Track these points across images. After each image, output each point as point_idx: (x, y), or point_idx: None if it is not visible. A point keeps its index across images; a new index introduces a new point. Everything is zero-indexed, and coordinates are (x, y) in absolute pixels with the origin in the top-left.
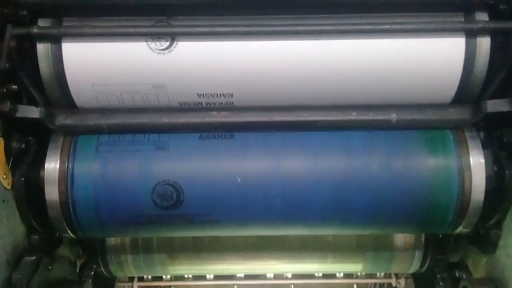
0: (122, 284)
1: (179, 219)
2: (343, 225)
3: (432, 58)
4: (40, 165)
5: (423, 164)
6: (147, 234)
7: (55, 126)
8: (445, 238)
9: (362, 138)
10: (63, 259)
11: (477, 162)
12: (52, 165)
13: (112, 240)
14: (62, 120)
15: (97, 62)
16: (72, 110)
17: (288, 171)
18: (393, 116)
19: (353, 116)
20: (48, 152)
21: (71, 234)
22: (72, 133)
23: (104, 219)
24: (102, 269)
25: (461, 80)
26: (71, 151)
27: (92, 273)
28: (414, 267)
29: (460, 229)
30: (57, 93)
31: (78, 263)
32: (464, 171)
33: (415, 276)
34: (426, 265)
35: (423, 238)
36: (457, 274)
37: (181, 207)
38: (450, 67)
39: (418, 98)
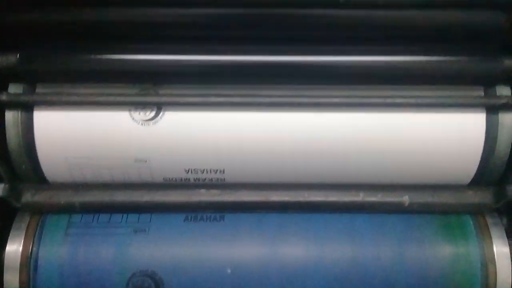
0: None
1: None
2: None
3: (449, 135)
4: (1, 249)
5: (440, 254)
6: None
7: (21, 204)
8: None
9: (370, 222)
10: None
11: (502, 252)
12: (14, 248)
13: None
14: (29, 197)
15: (72, 133)
16: (41, 186)
17: (286, 259)
18: (405, 199)
19: (360, 197)
20: (11, 234)
21: None
22: (41, 211)
23: None
24: None
25: (481, 160)
26: (37, 233)
27: None
28: None
29: None
30: (25, 166)
31: None
32: (487, 263)
33: None
34: None
35: None
36: None
37: None
38: (470, 146)
39: (433, 179)
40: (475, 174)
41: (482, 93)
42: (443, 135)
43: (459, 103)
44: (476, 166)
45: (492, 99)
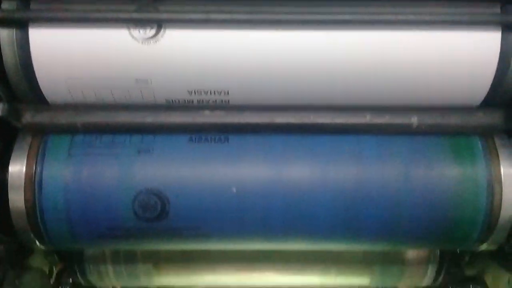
0: None
1: (164, 232)
2: (352, 241)
3: (461, 54)
4: (4, 168)
5: (447, 175)
6: (127, 247)
7: (22, 124)
8: (462, 251)
9: (376, 144)
10: (35, 271)
11: (509, 173)
12: (17, 169)
13: (90, 249)
14: (30, 117)
15: (70, 52)
16: (42, 107)
17: (291, 180)
18: (413, 120)
19: (367, 119)
20: (13, 154)
21: (40, 246)
22: (42, 132)
23: (78, 232)
24: (81, 279)
25: (494, 81)
26: (39, 153)
27: (71, 281)
28: (426, 281)
29: (484, 247)
30: (24, 87)
31: (55, 271)
32: (493, 183)
33: None
34: (440, 279)
35: (438, 251)
36: None
37: (167, 220)
38: (482, 65)
39: (443, 99)
40: (487, 95)
41: (499, 10)
42: (455, 54)
43: (474, 20)
44: (488, 87)
45: (510, 17)
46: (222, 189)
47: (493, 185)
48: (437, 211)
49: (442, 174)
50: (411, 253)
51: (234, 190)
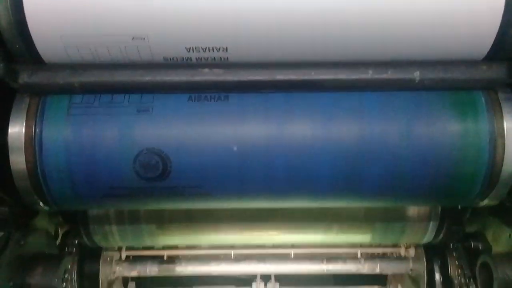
0: (109, 253)
1: (166, 192)
2: (354, 198)
3: (466, 4)
4: (3, 130)
5: (449, 129)
6: (130, 207)
7: (19, 85)
8: (463, 207)
9: (378, 99)
10: (39, 232)
11: None
12: (16, 130)
13: (94, 210)
14: (27, 77)
15: (65, 8)
16: (38, 66)
17: (292, 137)
18: (416, 75)
19: (369, 74)
20: (12, 115)
21: (44, 207)
22: (40, 92)
23: (81, 192)
24: (86, 239)
25: (498, 33)
26: (38, 114)
27: (76, 242)
28: (427, 238)
29: (486, 202)
30: (19, 46)
31: (60, 232)
32: (496, 137)
33: (426, 246)
34: (440, 236)
35: (439, 208)
36: (472, 245)
37: (168, 179)
38: (486, 17)
39: (446, 52)
40: (491, 48)
41: None
42: (459, 4)
43: None
44: (493, 39)
45: None
46: (222, 148)
47: (496, 140)
48: (439, 167)
49: (444, 130)
50: (412, 210)
51: (235, 148)
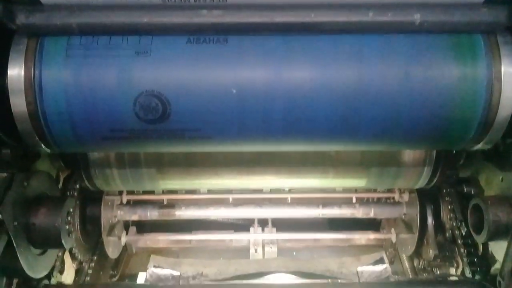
0: (110, 197)
1: (166, 134)
2: (351, 141)
3: None
4: (2, 72)
5: (448, 72)
6: (131, 149)
7: (17, 25)
8: (458, 152)
9: (377, 42)
10: (42, 174)
11: (509, 71)
12: (16, 72)
13: (95, 153)
14: (24, 18)
15: None
16: (35, 7)
17: (291, 80)
18: (416, 17)
19: (369, 16)
20: (11, 57)
21: (46, 149)
22: (37, 34)
23: (82, 134)
24: (87, 183)
25: None
26: (37, 56)
27: (78, 186)
28: (421, 183)
29: (481, 145)
30: None
31: (62, 177)
32: (493, 81)
33: (419, 191)
34: (434, 181)
35: (434, 153)
36: (465, 189)
37: (168, 121)
38: None
39: None
40: None
41: None
42: None
43: None
44: None
45: None
46: (222, 91)
47: (493, 83)
48: (436, 110)
49: (442, 73)
50: (408, 155)
51: (234, 91)
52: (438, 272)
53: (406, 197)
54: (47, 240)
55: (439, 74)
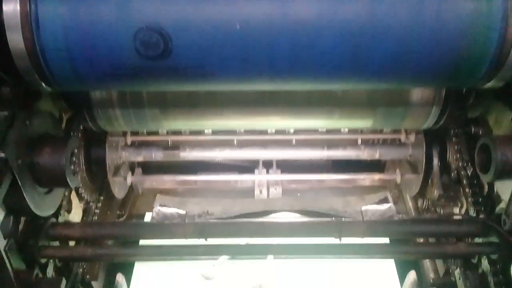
0: (115, 138)
1: (168, 71)
2: (359, 78)
3: None
4: None
5: (461, 4)
6: (133, 87)
7: None
8: (467, 91)
9: None
10: (44, 113)
11: None
12: (11, 7)
13: (97, 93)
14: None
15: None
16: None
17: (297, 14)
18: None
19: None
20: None
21: (46, 87)
22: None
23: (81, 70)
24: (90, 124)
25: None
26: None
27: (81, 127)
28: (428, 123)
29: (492, 83)
30: None
31: (65, 118)
32: (509, 13)
33: (426, 132)
34: (442, 121)
35: (443, 92)
36: (473, 130)
37: (170, 58)
38: None
39: None
40: None
41: None
42: None
43: None
44: None
45: None
46: (225, 26)
47: (508, 15)
48: (448, 45)
49: (455, 5)
50: (416, 94)
51: (238, 26)
52: (442, 212)
53: (412, 138)
54: (52, 179)
55: (452, 6)
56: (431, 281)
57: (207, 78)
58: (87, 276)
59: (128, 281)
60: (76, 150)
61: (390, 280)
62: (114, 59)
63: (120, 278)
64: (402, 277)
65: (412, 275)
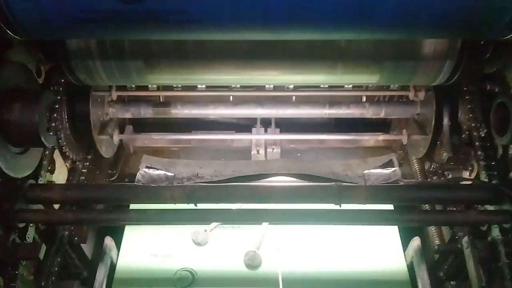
0: (99, 93)
1: (147, 17)
2: (365, 27)
3: None
4: None
5: None
6: (109, 35)
7: None
8: (485, 43)
9: None
10: (15, 65)
11: None
12: None
13: (74, 43)
14: None
15: None
16: None
17: None
18: None
19: None
20: None
21: (12, 34)
22: None
23: (49, 15)
24: (69, 76)
25: None
26: None
27: (62, 81)
28: (440, 79)
29: None
30: None
31: (43, 70)
32: None
33: (437, 88)
34: (456, 76)
35: (458, 45)
36: (488, 87)
37: (147, 1)
38: None
39: None
40: None
41: None
42: None
43: None
44: None
45: None
46: None
47: None
48: None
49: None
50: (428, 47)
51: None
52: (450, 176)
53: (421, 95)
54: (25, 138)
55: None
56: (436, 247)
57: (191, 26)
58: (75, 238)
59: (118, 244)
60: (57, 106)
61: (392, 246)
62: (84, 2)
63: (108, 241)
64: (405, 243)
65: (416, 241)
